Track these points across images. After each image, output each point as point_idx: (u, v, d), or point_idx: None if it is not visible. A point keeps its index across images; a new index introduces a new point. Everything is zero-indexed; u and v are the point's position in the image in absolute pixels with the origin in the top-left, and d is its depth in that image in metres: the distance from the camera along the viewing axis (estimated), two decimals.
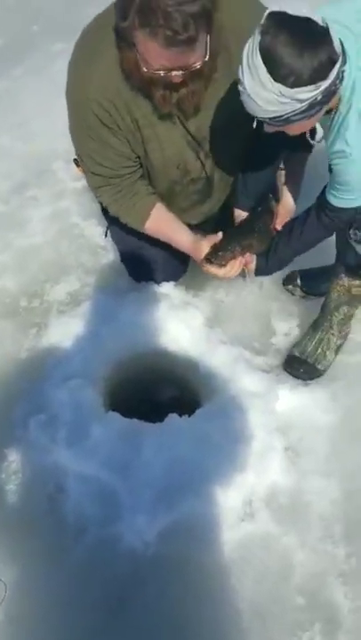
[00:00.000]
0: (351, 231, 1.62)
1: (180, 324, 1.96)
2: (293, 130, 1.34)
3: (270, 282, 2.15)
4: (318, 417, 1.78)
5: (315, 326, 1.94)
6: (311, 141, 1.45)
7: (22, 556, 1.49)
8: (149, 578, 1.48)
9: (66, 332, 1.92)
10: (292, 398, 1.80)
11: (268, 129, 1.32)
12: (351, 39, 1.28)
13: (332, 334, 1.91)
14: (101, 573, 1.48)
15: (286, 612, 1.44)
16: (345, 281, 1.81)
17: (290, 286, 2.11)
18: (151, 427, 1.69)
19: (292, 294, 2.11)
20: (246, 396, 1.76)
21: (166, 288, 2.06)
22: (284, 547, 1.54)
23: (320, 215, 1.58)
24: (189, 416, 1.73)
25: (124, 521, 1.52)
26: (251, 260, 1.78)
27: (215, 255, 1.69)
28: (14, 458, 1.64)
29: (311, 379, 1.88)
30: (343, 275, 1.80)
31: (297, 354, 1.91)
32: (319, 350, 1.89)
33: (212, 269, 1.71)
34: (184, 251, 1.79)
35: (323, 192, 1.55)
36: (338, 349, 1.94)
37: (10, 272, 2.16)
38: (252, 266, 1.80)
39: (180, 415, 1.72)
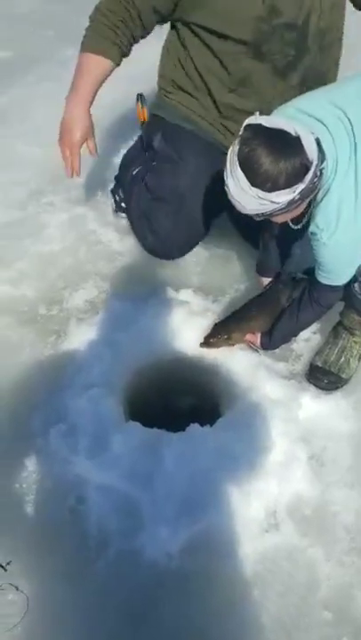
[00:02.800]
0: (356, 284, 1.67)
1: (199, 330, 1.94)
2: (278, 220, 1.48)
3: None
4: (342, 425, 1.75)
5: (335, 334, 1.91)
6: (293, 226, 1.56)
7: (44, 568, 1.48)
8: (172, 591, 1.45)
9: (85, 339, 1.91)
10: (314, 406, 1.78)
11: (255, 218, 1.43)
12: (326, 134, 1.40)
13: (355, 342, 1.88)
14: (123, 586, 1.46)
15: (313, 627, 1.41)
16: (355, 316, 1.83)
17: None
18: (172, 437, 1.66)
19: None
20: (268, 404, 1.74)
21: (185, 294, 2.05)
22: (310, 559, 1.51)
23: (312, 294, 1.70)
24: (210, 425, 1.71)
25: (146, 533, 1.50)
26: (255, 338, 1.87)
27: (207, 342, 1.86)
28: (34, 468, 1.63)
29: (336, 388, 1.84)
30: (353, 312, 1.82)
31: (319, 364, 1.87)
32: (343, 359, 1.86)
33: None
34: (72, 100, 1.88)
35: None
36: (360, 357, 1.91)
37: (28, 279, 2.15)
38: (258, 342, 1.88)
39: (202, 424, 1.69)
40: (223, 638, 1.40)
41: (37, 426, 1.71)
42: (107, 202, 2.45)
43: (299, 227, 1.56)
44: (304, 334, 1.99)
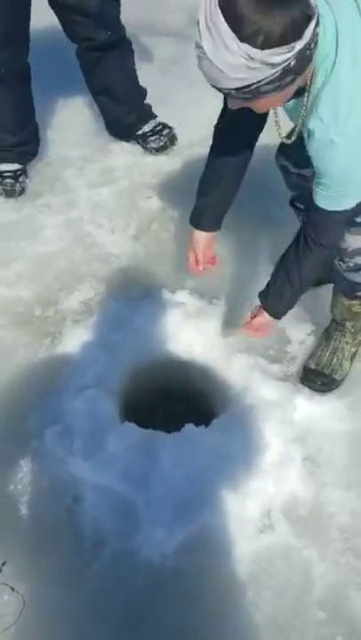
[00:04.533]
0: (337, 262, 1.58)
1: (194, 332, 1.95)
2: (261, 105, 1.16)
3: None
4: (337, 426, 1.76)
5: (327, 336, 1.92)
6: (286, 140, 1.34)
7: (39, 568, 1.48)
8: (167, 591, 1.46)
9: (80, 341, 1.91)
10: (309, 407, 1.79)
11: (232, 104, 1.16)
12: (326, 6, 1.12)
13: (346, 342, 1.89)
14: (119, 586, 1.46)
15: (308, 627, 1.42)
16: (344, 300, 1.80)
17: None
18: (168, 437, 1.67)
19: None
20: (263, 406, 1.75)
21: (181, 296, 2.05)
22: (305, 559, 1.52)
23: (309, 234, 1.43)
24: (206, 426, 1.71)
25: (142, 533, 1.51)
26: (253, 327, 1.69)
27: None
28: (30, 469, 1.63)
29: (330, 390, 1.84)
30: (341, 295, 1.79)
31: (313, 366, 1.87)
32: (335, 360, 1.86)
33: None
34: None
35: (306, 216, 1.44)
36: (353, 357, 1.91)
37: (24, 280, 2.15)
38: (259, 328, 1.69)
39: (197, 425, 1.70)
40: (219, 639, 1.40)
41: (33, 427, 1.71)
42: (102, 203, 2.46)
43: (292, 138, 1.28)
44: (299, 336, 2.00)
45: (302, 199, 1.74)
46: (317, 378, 1.84)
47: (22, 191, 2.48)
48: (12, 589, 1.44)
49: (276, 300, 1.59)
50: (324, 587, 1.47)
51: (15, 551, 1.50)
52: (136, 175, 2.58)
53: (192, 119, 2.67)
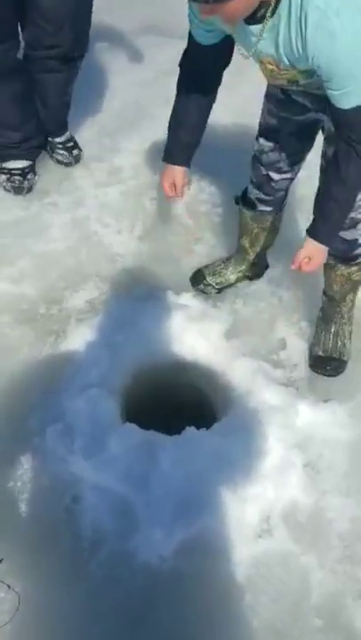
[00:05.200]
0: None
1: (197, 335, 1.95)
2: (230, 11, 1.17)
3: (289, 295, 2.14)
4: (338, 433, 1.76)
5: (325, 319, 1.97)
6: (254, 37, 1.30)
7: (37, 567, 1.47)
8: (165, 593, 1.45)
9: (84, 340, 1.91)
10: (311, 413, 1.78)
11: (203, 11, 1.18)
12: None
13: (344, 323, 1.96)
14: (117, 586, 1.46)
15: (304, 633, 1.41)
16: (343, 270, 1.82)
17: (200, 286, 2.14)
18: (168, 439, 1.67)
19: (205, 293, 2.13)
20: (265, 410, 1.74)
21: (185, 298, 2.05)
22: (303, 566, 1.51)
23: (344, 139, 1.37)
24: (207, 429, 1.71)
25: (140, 534, 1.50)
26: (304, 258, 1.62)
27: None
28: (31, 467, 1.63)
29: (340, 373, 1.92)
30: (339, 264, 1.81)
31: (321, 353, 1.93)
32: (339, 343, 1.94)
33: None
34: None
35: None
36: (350, 335, 1.99)
37: (29, 278, 2.15)
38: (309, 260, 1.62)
39: (198, 428, 1.70)
40: None
41: (34, 425, 1.71)
42: (110, 203, 2.46)
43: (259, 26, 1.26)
44: (302, 342, 2.01)
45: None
46: (328, 363, 1.92)
47: (30, 189, 2.47)
48: (9, 587, 1.44)
49: (324, 224, 1.55)
50: (321, 594, 1.47)
51: (13, 550, 1.49)
52: (143, 176, 2.58)
53: None
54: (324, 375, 1.91)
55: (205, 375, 1.91)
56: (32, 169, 2.50)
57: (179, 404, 1.93)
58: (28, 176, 2.47)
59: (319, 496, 1.62)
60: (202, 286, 2.14)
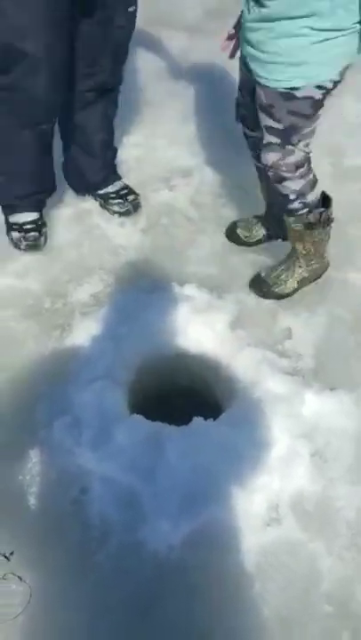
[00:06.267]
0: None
1: (203, 326, 1.94)
2: None
3: None
4: (345, 422, 1.75)
5: (288, 255, 2.08)
6: None
7: (46, 559, 1.48)
8: (173, 584, 1.46)
9: (89, 333, 1.92)
10: (317, 402, 1.78)
11: None
12: None
13: (299, 266, 2.05)
14: (125, 578, 1.46)
15: (314, 621, 1.41)
16: (287, 219, 1.95)
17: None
18: (175, 430, 1.67)
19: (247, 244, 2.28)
20: (271, 400, 1.74)
21: (189, 290, 2.05)
22: (311, 553, 1.51)
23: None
24: (214, 419, 1.71)
25: (148, 525, 1.51)
26: None
27: None
28: (38, 459, 1.63)
29: (267, 298, 2.08)
30: (283, 214, 1.94)
31: (263, 275, 2.11)
32: (282, 276, 2.07)
33: None
34: None
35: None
36: (302, 281, 2.07)
37: (33, 272, 2.16)
38: None
39: (205, 418, 1.70)
40: (225, 632, 1.40)
41: (41, 418, 1.72)
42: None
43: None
44: (308, 331, 2.00)
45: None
46: (260, 285, 2.10)
47: (45, 241, 2.25)
48: (20, 579, 1.45)
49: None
50: (330, 581, 1.47)
51: (22, 542, 1.50)
52: (146, 169, 2.57)
53: None
54: (253, 293, 2.10)
55: (211, 366, 1.91)
56: (42, 217, 2.28)
57: (185, 394, 1.94)
58: (43, 229, 2.25)
59: (327, 484, 1.62)
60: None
